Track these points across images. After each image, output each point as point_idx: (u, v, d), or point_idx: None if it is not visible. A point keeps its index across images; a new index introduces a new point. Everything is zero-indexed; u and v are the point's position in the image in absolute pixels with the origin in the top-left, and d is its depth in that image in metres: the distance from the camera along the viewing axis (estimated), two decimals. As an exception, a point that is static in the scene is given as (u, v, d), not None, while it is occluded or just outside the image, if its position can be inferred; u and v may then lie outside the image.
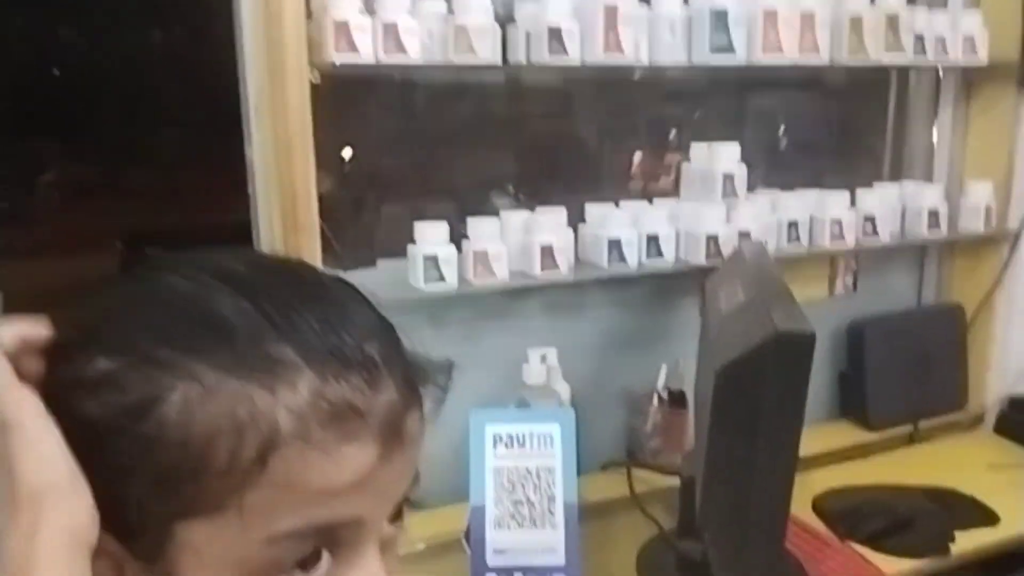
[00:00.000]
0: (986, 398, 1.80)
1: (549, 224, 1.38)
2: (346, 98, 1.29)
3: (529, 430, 1.26)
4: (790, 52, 1.43)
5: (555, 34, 1.28)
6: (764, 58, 1.41)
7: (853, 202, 1.61)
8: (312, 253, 1.16)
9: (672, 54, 1.39)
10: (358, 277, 1.38)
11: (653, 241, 1.43)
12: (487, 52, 1.26)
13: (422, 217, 1.39)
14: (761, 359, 0.98)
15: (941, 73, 1.77)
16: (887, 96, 1.88)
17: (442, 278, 1.29)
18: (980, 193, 1.70)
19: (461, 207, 1.48)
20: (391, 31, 1.19)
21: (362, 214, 1.42)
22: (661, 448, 1.52)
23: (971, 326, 1.79)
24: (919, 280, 1.87)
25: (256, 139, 1.19)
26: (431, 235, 1.29)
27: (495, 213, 1.41)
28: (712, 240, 1.42)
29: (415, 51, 1.21)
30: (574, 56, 1.30)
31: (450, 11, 1.27)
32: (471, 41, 1.24)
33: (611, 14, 1.31)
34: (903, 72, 1.77)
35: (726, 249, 1.43)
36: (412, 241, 1.32)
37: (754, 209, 1.48)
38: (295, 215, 1.13)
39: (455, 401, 1.42)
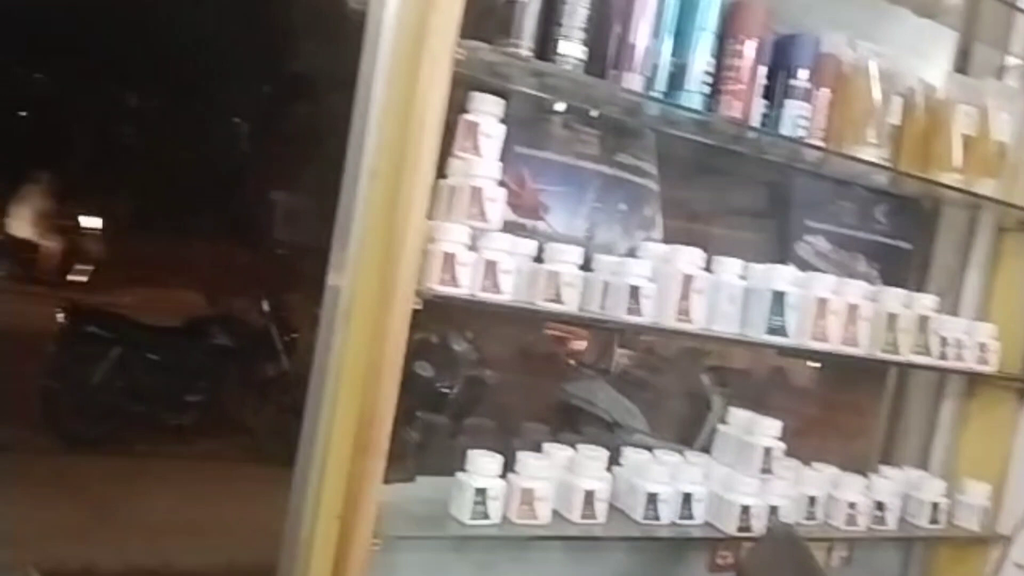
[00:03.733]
0: None
1: (593, 468, 1.38)
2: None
3: None
4: (834, 341, 1.51)
5: (634, 293, 1.33)
6: (811, 344, 1.48)
7: (864, 484, 1.66)
8: (376, 476, 1.13)
9: (727, 323, 1.45)
10: (396, 491, 1.35)
11: (688, 500, 1.44)
12: (572, 302, 1.29)
13: (462, 434, 1.38)
14: None
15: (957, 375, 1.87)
16: (885, 380, 1.98)
17: (487, 515, 1.26)
18: (978, 493, 1.76)
19: (501, 434, 1.48)
20: (491, 269, 1.22)
21: (406, 428, 1.40)
22: None
23: (954, 623, 1.81)
24: (905, 565, 1.91)
25: (335, 352, 1.18)
26: (484, 467, 1.27)
27: (535, 447, 1.41)
28: (745, 511, 1.44)
29: (508, 290, 1.24)
30: (647, 316, 1.35)
31: (541, 253, 1.32)
32: (559, 289, 1.28)
33: (687, 283, 1.37)
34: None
35: (756, 521, 1.44)
36: (453, 460, 1.30)
37: (784, 485, 1.51)
38: (368, 438, 1.11)
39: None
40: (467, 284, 1.21)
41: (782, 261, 1.64)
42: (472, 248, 1.23)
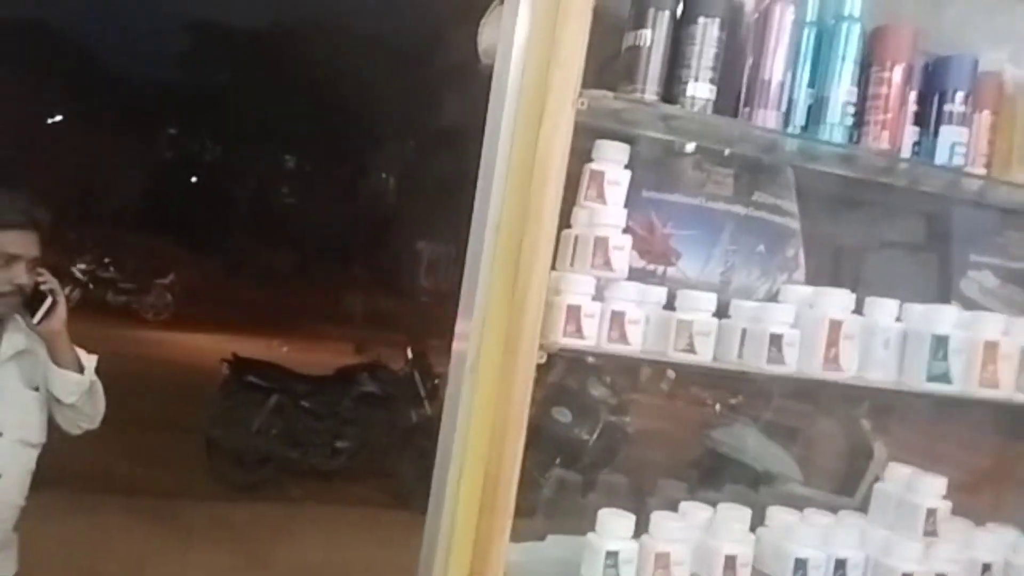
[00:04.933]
0: None
1: (734, 529, 1.29)
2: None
3: None
4: (1006, 388, 1.36)
5: (775, 341, 1.25)
6: (980, 392, 1.34)
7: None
8: (503, 535, 1.09)
9: (883, 371, 1.33)
10: (525, 551, 1.31)
11: (841, 566, 1.32)
12: (706, 352, 1.23)
13: (594, 491, 1.33)
14: None
15: None
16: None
17: (620, 578, 1.20)
18: None
19: (637, 490, 1.42)
20: (618, 320, 1.18)
21: (536, 486, 1.36)
22: None
23: None
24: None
25: (462, 405, 1.17)
26: (616, 528, 1.22)
27: (674, 504, 1.34)
28: (908, 579, 1.30)
29: (636, 341, 1.19)
30: (791, 365, 1.26)
31: (673, 301, 1.26)
32: (692, 339, 1.22)
33: (835, 328, 1.27)
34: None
35: (922, 591, 1.30)
36: (587, 517, 1.25)
37: (952, 549, 1.36)
38: (495, 495, 1.08)
39: None
40: (593, 336, 1.17)
41: (945, 300, 1.51)
42: (598, 298, 1.19)
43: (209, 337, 9.89)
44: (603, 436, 3.64)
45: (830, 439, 2.01)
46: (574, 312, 1.15)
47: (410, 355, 6.04)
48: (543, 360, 1.12)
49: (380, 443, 5.92)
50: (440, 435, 1.24)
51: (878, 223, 1.64)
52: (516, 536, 1.28)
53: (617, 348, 1.19)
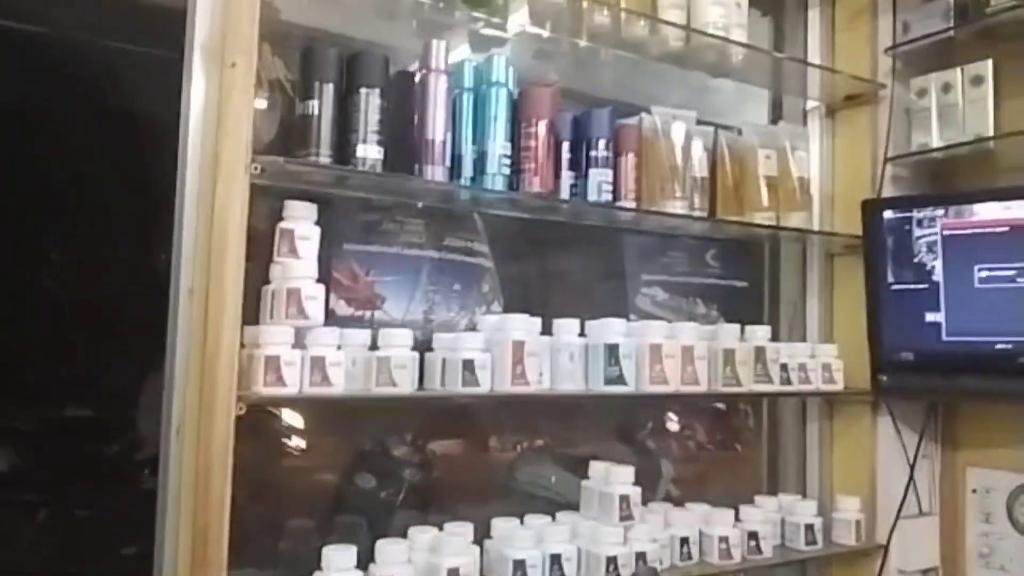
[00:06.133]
0: None
1: (456, 545, 1.40)
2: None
3: None
4: (673, 383, 1.59)
5: (468, 365, 1.40)
6: (651, 388, 1.56)
7: (737, 517, 1.72)
8: (217, 587, 1.14)
9: (571, 380, 1.52)
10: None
11: (556, 561, 1.47)
12: (406, 384, 1.35)
13: (328, 531, 1.40)
14: None
15: (805, 397, 1.98)
16: (761, 414, 2.08)
17: (347, 607, 1.28)
18: (849, 508, 1.84)
19: (368, 524, 1.50)
20: (318, 364, 1.28)
21: (267, 532, 1.41)
22: None
23: (851, 639, 1.86)
24: (799, 588, 1.96)
25: (172, 469, 1.21)
26: (337, 561, 1.29)
27: (402, 532, 1.44)
28: (611, 561, 1.48)
29: (339, 382, 1.29)
30: (484, 385, 1.41)
31: (374, 342, 1.38)
32: (392, 373, 1.34)
33: (518, 348, 1.44)
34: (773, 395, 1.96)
35: (624, 571, 1.48)
36: (317, 560, 1.32)
37: (649, 529, 1.56)
38: (205, 550, 1.13)
39: None
40: (295, 382, 1.25)
41: (625, 315, 1.74)
42: (299, 347, 1.29)
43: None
44: (409, 494, 3.67)
45: (624, 463, 2.19)
46: (273, 362, 1.24)
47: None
48: (242, 412, 1.18)
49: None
50: (157, 505, 1.26)
51: (564, 257, 1.86)
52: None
53: (320, 391, 1.28)
